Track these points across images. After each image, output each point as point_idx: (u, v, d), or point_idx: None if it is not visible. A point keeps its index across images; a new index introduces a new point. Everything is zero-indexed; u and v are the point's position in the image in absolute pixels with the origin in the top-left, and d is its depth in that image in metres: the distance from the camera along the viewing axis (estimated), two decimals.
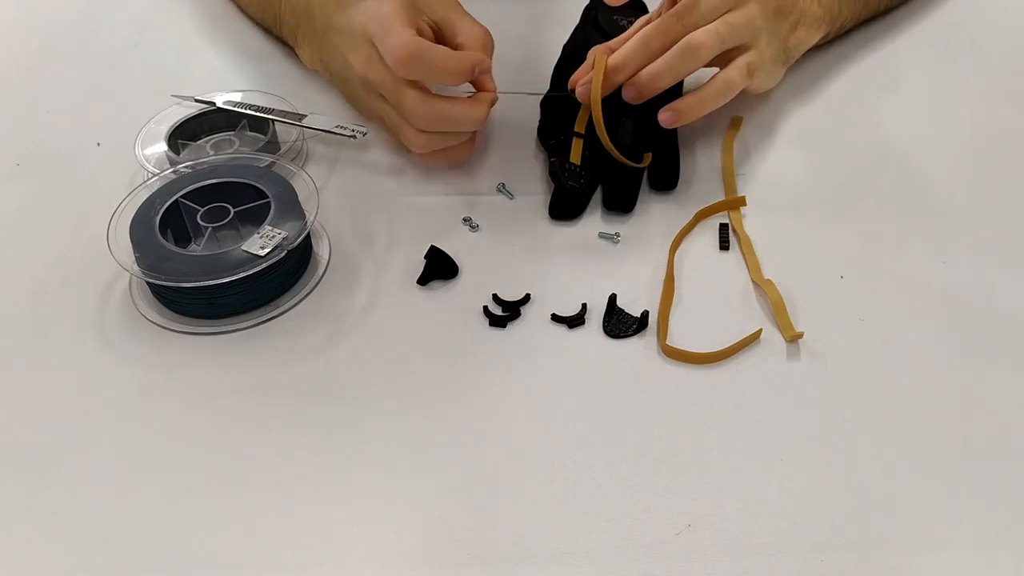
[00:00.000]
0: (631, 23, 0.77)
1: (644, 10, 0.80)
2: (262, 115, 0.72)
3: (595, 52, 0.69)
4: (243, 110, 0.72)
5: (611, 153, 0.67)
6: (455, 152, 0.68)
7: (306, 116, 0.71)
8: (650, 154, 0.69)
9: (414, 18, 0.65)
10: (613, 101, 0.69)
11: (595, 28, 0.77)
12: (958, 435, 0.53)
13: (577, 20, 0.80)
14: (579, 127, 0.68)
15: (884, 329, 0.59)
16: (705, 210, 0.66)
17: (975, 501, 0.50)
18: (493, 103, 0.66)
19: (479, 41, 0.67)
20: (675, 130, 0.71)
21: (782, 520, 0.49)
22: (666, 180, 0.69)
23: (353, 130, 0.69)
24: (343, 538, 0.49)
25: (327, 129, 0.69)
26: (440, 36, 0.68)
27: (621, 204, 0.67)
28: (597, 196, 0.68)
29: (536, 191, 0.69)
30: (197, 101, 0.74)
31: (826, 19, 0.77)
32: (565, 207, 0.67)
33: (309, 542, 0.49)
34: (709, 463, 0.52)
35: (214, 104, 0.73)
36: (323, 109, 0.73)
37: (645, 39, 0.66)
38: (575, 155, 0.67)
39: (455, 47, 0.66)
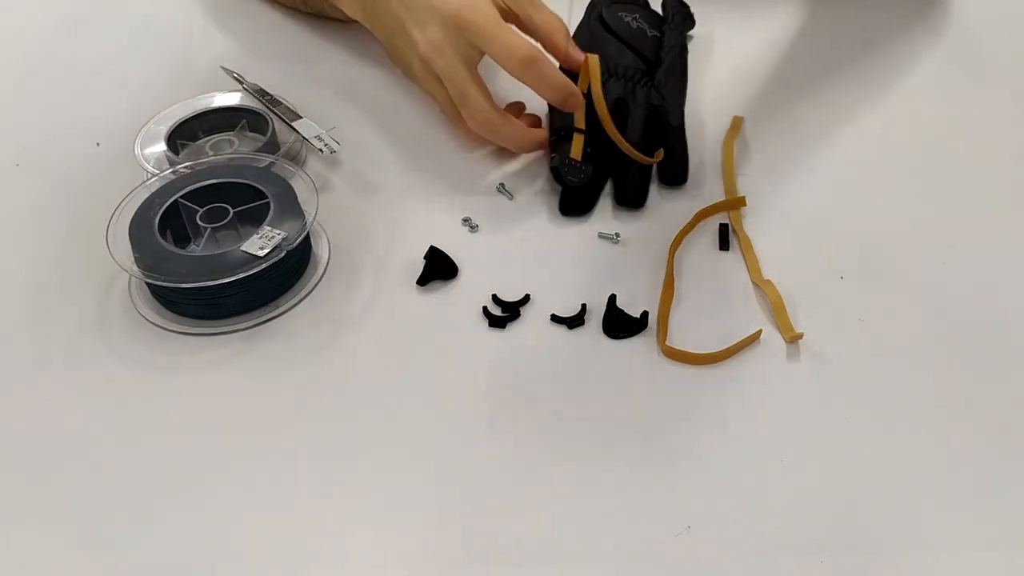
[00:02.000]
0: (636, 19, 0.77)
1: (647, 7, 0.80)
2: (271, 108, 0.72)
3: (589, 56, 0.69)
4: (265, 98, 0.74)
5: (623, 148, 0.67)
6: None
7: (300, 119, 0.71)
8: (662, 150, 0.69)
9: (499, 4, 0.67)
10: (619, 100, 0.69)
11: (602, 25, 0.77)
12: (958, 435, 0.53)
13: (578, 17, 0.80)
14: (579, 123, 0.68)
15: (884, 329, 0.59)
16: (705, 210, 0.66)
17: (975, 501, 0.50)
18: (544, 144, 0.70)
19: (559, 30, 0.69)
20: (683, 125, 0.71)
21: (782, 520, 0.49)
22: (676, 174, 0.69)
23: (325, 145, 0.68)
24: (342, 538, 0.49)
25: (306, 136, 0.69)
26: (514, 20, 0.69)
27: (633, 200, 0.67)
28: (603, 194, 0.68)
29: (536, 191, 0.69)
30: (237, 79, 0.76)
31: None
32: (574, 204, 0.67)
33: (308, 542, 0.49)
34: (709, 463, 0.52)
35: (252, 86, 0.75)
36: (318, 116, 0.73)
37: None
38: (575, 151, 0.67)
39: (531, 32, 0.68)
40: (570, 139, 0.68)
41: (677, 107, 0.72)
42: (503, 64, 0.65)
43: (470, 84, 0.66)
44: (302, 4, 0.84)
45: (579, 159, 0.67)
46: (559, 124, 0.70)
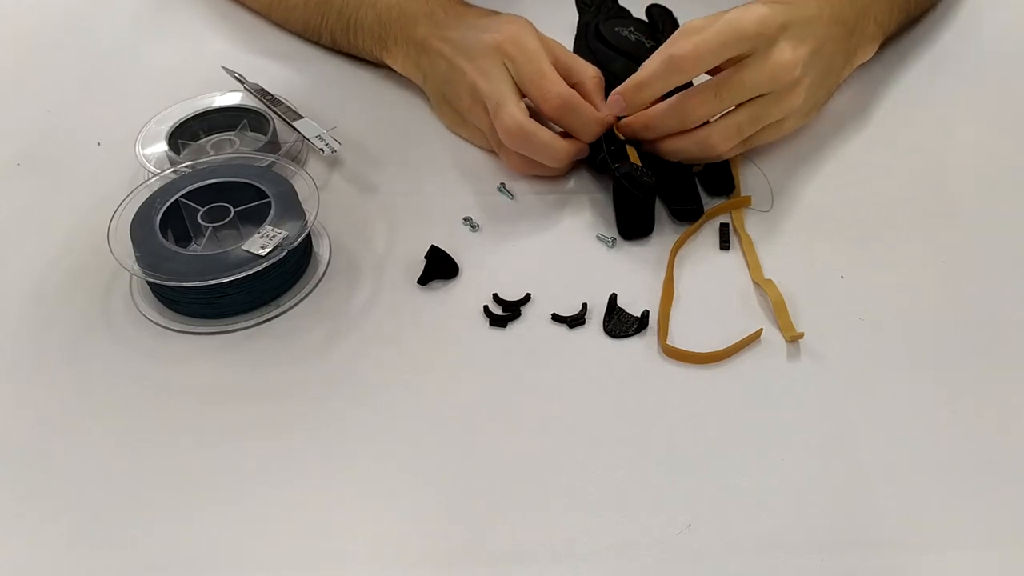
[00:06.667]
0: (632, 31, 0.77)
1: (634, 18, 0.80)
2: (272, 108, 0.72)
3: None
4: (265, 98, 0.74)
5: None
6: (547, 169, 0.69)
7: (301, 118, 0.71)
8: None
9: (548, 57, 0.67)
10: None
11: (601, 42, 0.77)
12: (958, 435, 0.53)
13: (568, 23, 0.79)
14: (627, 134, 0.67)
15: (884, 329, 0.59)
16: (711, 210, 0.66)
17: (975, 501, 0.50)
18: (579, 154, 0.68)
19: (596, 80, 0.68)
20: None
21: (782, 520, 0.49)
22: (722, 184, 0.68)
23: (326, 144, 0.68)
24: (343, 538, 0.49)
25: (307, 136, 0.69)
26: (553, 62, 0.68)
27: (693, 213, 0.66)
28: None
29: (536, 191, 0.69)
30: (238, 79, 0.76)
31: (878, 35, 0.76)
32: (636, 226, 0.65)
33: (309, 542, 0.49)
34: (709, 463, 0.52)
35: (253, 86, 0.75)
36: (318, 116, 0.73)
37: (680, 107, 0.64)
38: (635, 158, 0.65)
39: (572, 85, 0.67)
40: (623, 150, 0.65)
41: None
42: (537, 105, 0.66)
43: (508, 96, 0.65)
44: (345, 45, 0.81)
45: (640, 164, 0.64)
46: (604, 141, 0.67)
